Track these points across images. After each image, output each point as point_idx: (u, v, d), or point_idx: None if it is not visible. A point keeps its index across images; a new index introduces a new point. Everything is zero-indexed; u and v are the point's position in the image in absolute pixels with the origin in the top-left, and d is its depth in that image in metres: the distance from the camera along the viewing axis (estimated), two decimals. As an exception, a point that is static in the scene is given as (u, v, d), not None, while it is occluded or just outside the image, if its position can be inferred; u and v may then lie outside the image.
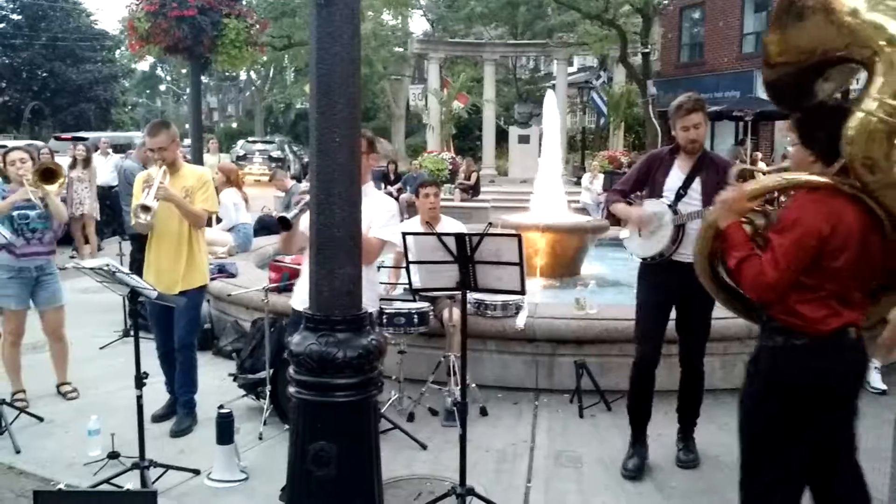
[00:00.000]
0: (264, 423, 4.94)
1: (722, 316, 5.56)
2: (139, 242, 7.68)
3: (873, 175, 2.71)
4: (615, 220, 4.63)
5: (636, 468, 4.37)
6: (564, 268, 8.48)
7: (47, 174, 5.32)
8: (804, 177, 2.87)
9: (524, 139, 23.15)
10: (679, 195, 4.25)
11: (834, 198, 2.79)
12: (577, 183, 18.23)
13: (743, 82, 22.48)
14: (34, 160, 5.54)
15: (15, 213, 5.31)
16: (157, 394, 5.13)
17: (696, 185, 4.24)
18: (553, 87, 24.23)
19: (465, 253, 3.67)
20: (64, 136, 20.60)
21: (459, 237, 3.69)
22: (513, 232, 3.83)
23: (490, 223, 4.21)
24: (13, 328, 5.48)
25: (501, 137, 26.41)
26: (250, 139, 33.89)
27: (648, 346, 4.38)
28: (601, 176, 16.60)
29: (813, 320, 2.83)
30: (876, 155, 2.69)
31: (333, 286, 2.83)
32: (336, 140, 2.80)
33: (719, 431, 4.87)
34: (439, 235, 3.77)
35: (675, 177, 4.32)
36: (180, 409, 5.13)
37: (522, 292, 3.79)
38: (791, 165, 3.03)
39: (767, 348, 2.96)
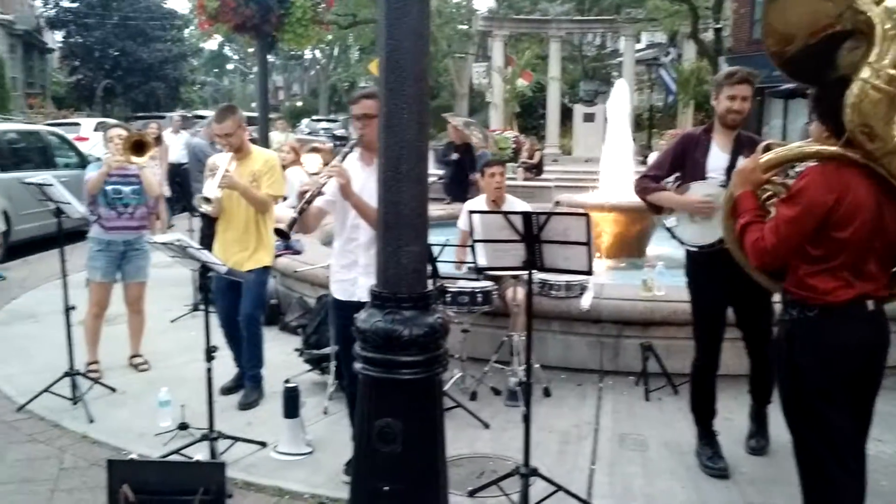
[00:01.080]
0: (329, 398, 5.00)
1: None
2: (208, 219, 7.83)
3: (873, 143, 2.73)
4: (654, 209, 4.32)
5: (721, 468, 4.16)
6: (630, 248, 8.34)
7: (137, 146, 5.46)
8: (815, 147, 2.91)
9: (589, 117, 22.83)
10: (730, 174, 3.97)
11: (844, 168, 2.79)
12: (643, 162, 17.89)
13: (818, 59, 21.68)
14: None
15: (109, 188, 5.48)
16: (225, 367, 5.23)
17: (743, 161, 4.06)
18: (620, 64, 23.80)
19: (531, 232, 3.63)
20: (140, 115, 21.10)
21: (526, 216, 3.65)
22: (581, 211, 3.75)
23: (557, 202, 4.15)
24: (98, 300, 5.67)
25: (566, 116, 26.09)
26: (315, 118, 34.25)
27: (705, 353, 4.24)
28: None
29: (824, 291, 2.84)
30: (873, 122, 2.70)
31: (400, 264, 2.82)
32: (404, 116, 2.77)
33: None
34: (506, 214, 3.73)
35: (717, 156, 4.11)
36: (247, 383, 5.23)
37: (590, 272, 3.73)
38: (812, 140, 3.03)
39: (785, 322, 3.01)
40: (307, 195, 3.66)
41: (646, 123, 27.69)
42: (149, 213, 5.83)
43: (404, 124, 2.78)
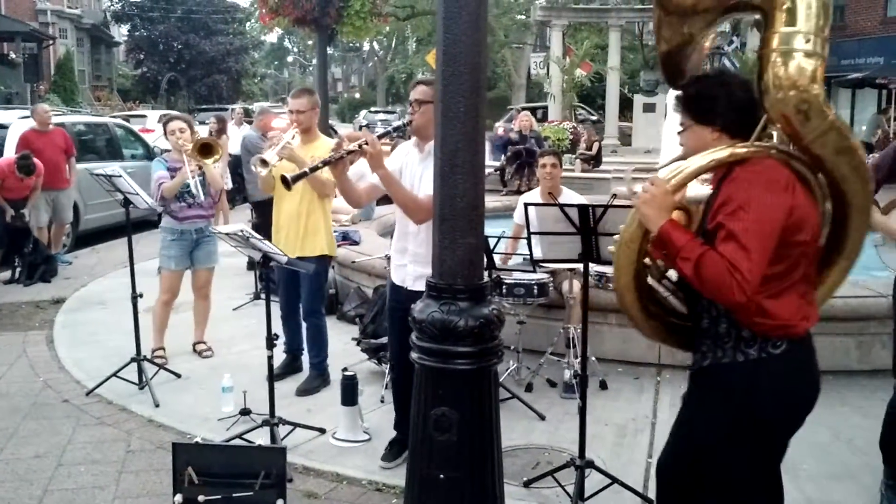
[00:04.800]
0: (386, 387, 5.06)
1: (856, 294, 5.32)
2: (260, 210, 8.02)
3: (809, 122, 2.36)
4: None
5: None
6: (689, 241, 8.21)
7: (205, 149, 5.58)
8: (726, 151, 2.42)
9: (649, 108, 22.49)
10: None
11: (784, 165, 2.40)
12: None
13: (887, 48, 21.04)
14: (192, 129, 5.81)
15: None
16: (278, 355, 5.32)
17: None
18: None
19: (588, 224, 3.62)
20: (202, 107, 21.50)
21: (583, 208, 3.64)
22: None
23: (614, 194, 4.12)
24: (168, 287, 5.82)
25: (625, 106, 25.74)
26: (373, 109, 34.47)
27: None
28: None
29: (789, 316, 2.36)
30: (811, 97, 2.34)
31: (456, 255, 2.84)
32: (461, 109, 2.79)
33: (853, 414, 4.66)
34: (562, 206, 3.73)
35: None
36: (312, 370, 5.33)
37: (646, 265, 3.70)
38: (686, 152, 2.58)
39: (738, 365, 2.41)
40: (328, 156, 3.69)
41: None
42: (214, 203, 5.97)
43: (461, 116, 2.80)
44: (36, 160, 8.57)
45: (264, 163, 4.59)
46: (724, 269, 2.23)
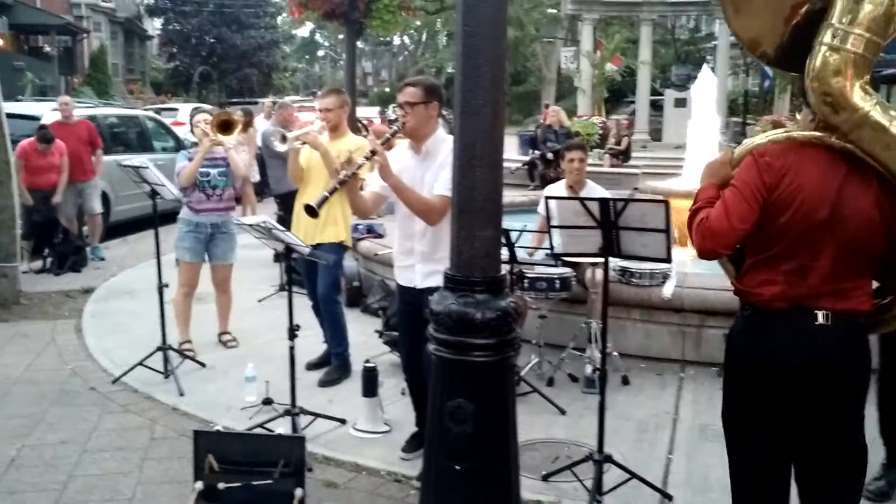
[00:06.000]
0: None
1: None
2: (283, 202, 8.10)
3: (838, 115, 2.47)
4: None
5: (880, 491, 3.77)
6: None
7: (224, 126, 5.61)
8: (784, 134, 2.68)
9: (681, 103, 22.28)
10: None
11: (799, 150, 2.56)
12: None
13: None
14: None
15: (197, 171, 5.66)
16: (309, 345, 5.36)
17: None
18: (714, 48, 23.15)
19: (608, 218, 3.60)
20: (234, 100, 21.66)
21: (603, 202, 3.62)
22: (659, 198, 3.67)
23: (636, 188, 4.10)
24: (186, 280, 5.85)
25: (656, 101, 25.53)
26: (402, 103, 34.48)
27: None
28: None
29: (753, 285, 2.62)
30: (833, 90, 2.45)
31: (473, 248, 2.84)
32: (480, 101, 2.79)
33: None
34: (582, 200, 3.71)
35: None
36: (333, 360, 5.36)
37: (668, 260, 3.68)
38: (798, 127, 2.79)
39: (734, 324, 2.83)
40: (341, 175, 3.68)
41: (740, 109, 26.87)
42: (236, 195, 5.99)
43: (479, 110, 2.80)
44: (58, 140, 8.63)
45: (284, 138, 4.62)
46: (700, 220, 2.63)
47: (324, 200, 3.71)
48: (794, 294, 2.55)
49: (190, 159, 5.64)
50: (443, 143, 3.80)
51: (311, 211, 3.68)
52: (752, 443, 2.72)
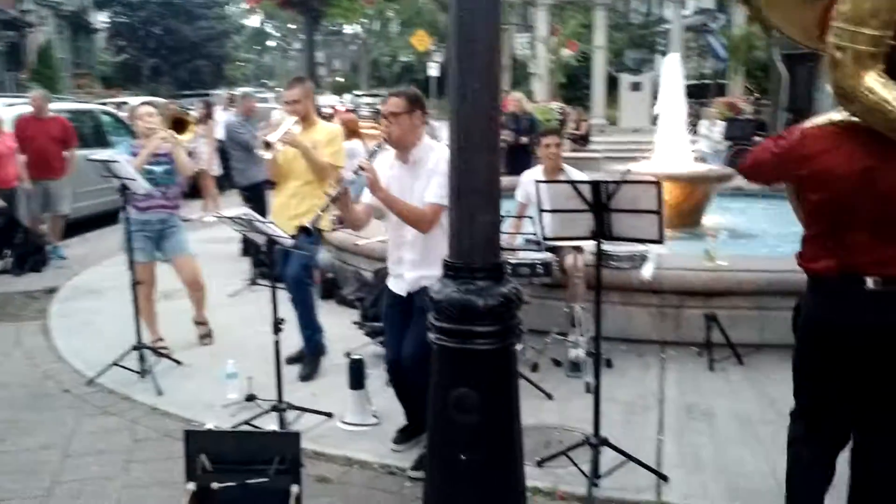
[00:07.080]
0: (391, 370, 5.02)
1: None
2: (248, 194, 8.00)
3: (852, 104, 2.66)
4: None
5: None
6: (686, 218, 8.18)
7: (177, 124, 5.46)
8: (826, 118, 2.87)
9: (636, 87, 22.47)
10: None
11: (837, 134, 2.76)
12: (692, 131, 17.56)
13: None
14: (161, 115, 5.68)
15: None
16: (286, 338, 5.25)
17: None
18: (667, 32, 23.35)
19: (600, 201, 3.58)
20: (185, 93, 21.25)
21: (595, 184, 3.60)
22: (652, 179, 3.65)
23: (628, 170, 4.08)
24: (143, 280, 5.66)
25: (611, 86, 25.64)
26: (357, 93, 34.22)
27: None
28: (720, 123, 15.94)
29: (808, 258, 2.84)
30: (843, 84, 2.63)
31: (474, 233, 2.80)
32: (476, 86, 2.75)
33: None
34: (573, 183, 3.68)
35: None
36: (306, 350, 5.28)
37: (661, 241, 3.68)
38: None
39: None
40: (332, 192, 3.68)
41: (694, 91, 27.10)
42: (181, 192, 5.80)
43: (476, 93, 2.76)
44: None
45: (269, 145, 4.53)
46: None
47: (318, 219, 3.71)
48: (842, 265, 2.72)
49: (134, 154, 5.45)
50: (430, 150, 3.81)
51: (307, 231, 3.66)
52: (815, 399, 2.91)
